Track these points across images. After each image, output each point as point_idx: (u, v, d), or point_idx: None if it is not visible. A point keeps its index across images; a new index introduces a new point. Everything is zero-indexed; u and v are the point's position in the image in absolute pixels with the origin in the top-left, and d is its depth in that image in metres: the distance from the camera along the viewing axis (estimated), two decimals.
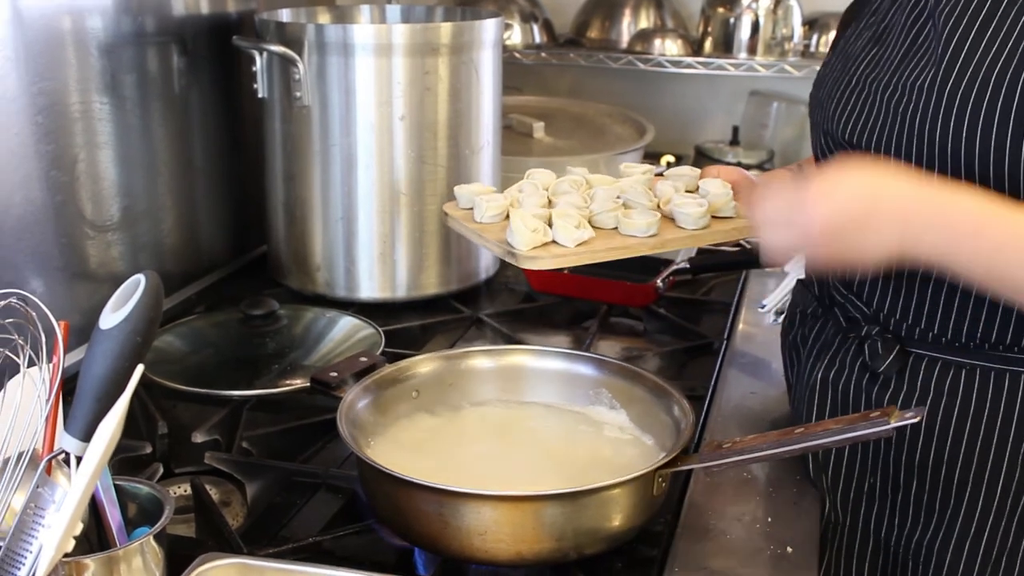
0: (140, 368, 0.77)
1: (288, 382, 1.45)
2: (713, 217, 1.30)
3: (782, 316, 1.45)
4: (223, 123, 1.91)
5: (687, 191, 1.37)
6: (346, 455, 1.28)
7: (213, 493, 1.20)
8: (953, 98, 1.07)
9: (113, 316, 0.78)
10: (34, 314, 0.82)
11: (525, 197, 1.34)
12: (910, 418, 0.96)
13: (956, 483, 1.17)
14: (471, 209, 1.34)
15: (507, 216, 1.30)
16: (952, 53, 1.08)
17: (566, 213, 1.27)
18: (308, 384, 1.36)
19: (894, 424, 0.96)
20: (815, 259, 1.12)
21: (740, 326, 1.66)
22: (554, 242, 1.24)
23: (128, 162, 1.65)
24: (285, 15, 1.85)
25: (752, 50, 2.54)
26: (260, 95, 1.74)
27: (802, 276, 1.38)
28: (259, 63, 1.71)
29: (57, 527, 0.76)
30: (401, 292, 1.76)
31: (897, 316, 1.18)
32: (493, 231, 1.29)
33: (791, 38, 2.53)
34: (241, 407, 1.39)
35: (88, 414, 0.79)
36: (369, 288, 1.75)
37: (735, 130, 2.63)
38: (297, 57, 1.65)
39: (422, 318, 1.70)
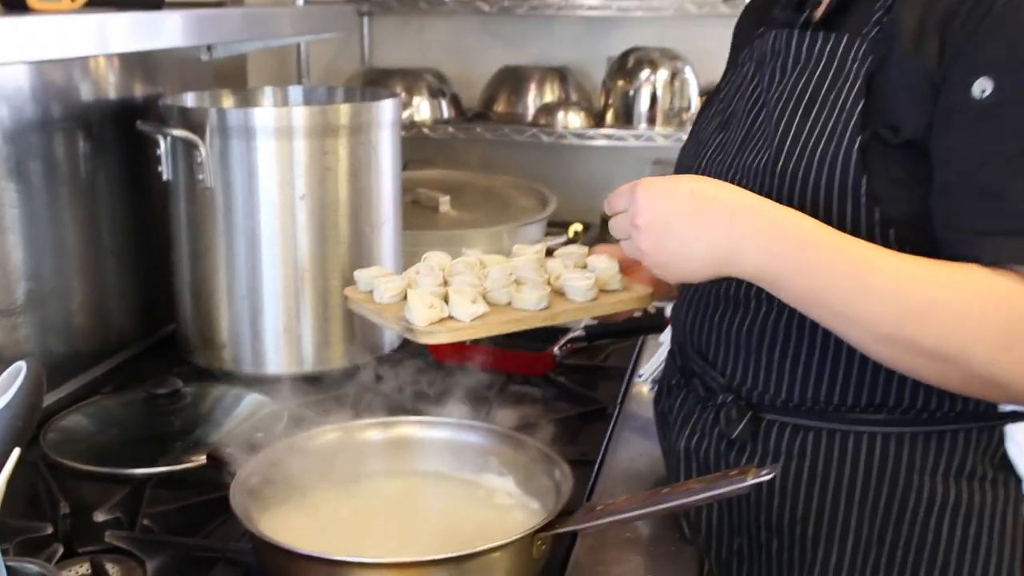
0: (16, 452, 0.81)
1: (191, 459, 1.47)
2: (601, 291, 1.38)
3: (656, 384, 1.52)
4: (130, 205, 1.95)
5: (576, 267, 1.44)
6: (244, 529, 1.32)
7: (114, 572, 1.22)
8: (784, 177, 1.17)
9: None
10: None
11: (421, 277, 1.40)
12: (765, 475, 1.03)
13: (811, 539, 1.24)
14: (371, 292, 1.41)
15: (405, 296, 1.36)
16: (781, 136, 1.19)
17: (461, 290, 1.34)
18: (200, 463, 1.42)
19: (751, 481, 1.03)
20: (640, 251, 1.17)
21: (634, 391, 1.73)
22: (451, 317, 1.30)
23: (35, 245, 1.69)
24: (189, 99, 1.91)
25: (652, 121, 2.64)
26: (165, 178, 1.78)
27: (670, 348, 1.46)
28: (163, 147, 1.75)
29: None
30: (307, 367, 1.80)
31: (748, 385, 1.26)
32: (392, 310, 1.36)
33: (688, 109, 2.64)
34: (144, 485, 1.41)
35: None
36: (275, 364, 1.79)
37: None
38: (199, 140, 1.70)
39: (327, 392, 1.72)
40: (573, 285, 1.36)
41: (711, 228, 1.12)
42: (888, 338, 1.08)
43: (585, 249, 1.49)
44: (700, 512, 1.33)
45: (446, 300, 1.32)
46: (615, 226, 1.21)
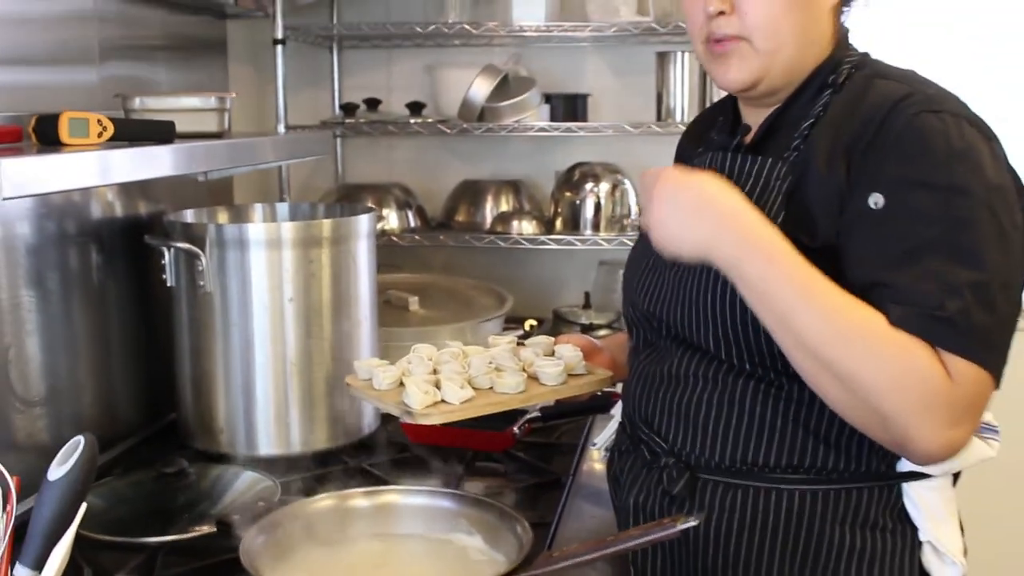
0: (83, 507, 0.94)
1: (197, 529, 1.55)
2: (569, 375, 1.52)
3: (609, 452, 1.60)
4: (136, 309, 2.03)
5: (545, 355, 1.58)
6: None
7: None
8: (717, 277, 1.29)
9: (59, 469, 0.96)
10: None
11: (414, 367, 1.52)
12: (691, 522, 1.16)
13: None
14: (368, 379, 1.52)
15: (400, 383, 1.48)
16: None
17: (451, 377, 1.45)
18: (215, 528, 1.51)
19: (679, 527, 1.16)
20: (650, 220, 1.28)
21: (584, 465, 1.83)
22: (443, 401, 1.42)
23: (52, 346, 1.77)
24: (189, 215, 2.01)
25: (596, 227, 2.73)
26: (169, 284, 1.87)
27: (621, 420, 1.57)
28: (167, 257, 1.85)
29: None
30: (295, 448, 1.87)
31: (688, 449, 1.36)
32: (390, 396, 1.47)
33: (628, 215, 2.74)
34: (156, 552, 1.49)
35: (39, 548, 0.95)
36: (267, 446, 1.87)
37: (587, 296, 2.78)
38: (200, 252, 1.80)
39: (314, 470, 1.81)
40: (545, 371, 1.50)
41: (702, 224, 1.24)
42: (812, 353, 1.18)
43: (551, 339, 1.63)
44: (646, 561, 1.42)
45: (437, 386, 1.44)
46: (644, 191, 1.32)
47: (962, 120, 1.24)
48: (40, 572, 0.94)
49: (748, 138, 1.40)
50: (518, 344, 1.63)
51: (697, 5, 1.34)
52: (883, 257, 1.21)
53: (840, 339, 1.17)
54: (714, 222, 1.23)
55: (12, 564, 0.98)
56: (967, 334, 1.16)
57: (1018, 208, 1.25)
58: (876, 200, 1.21)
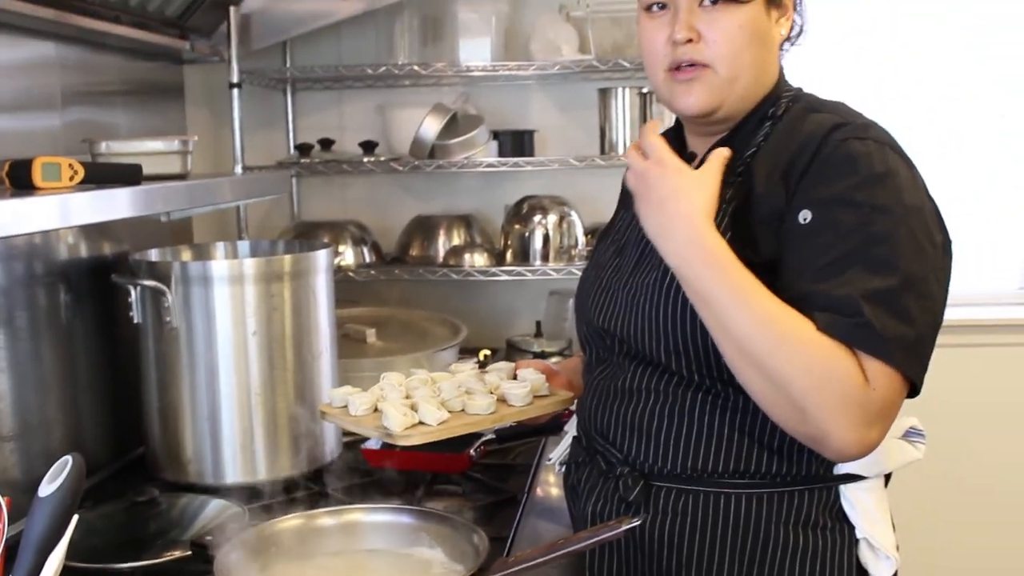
0: (75, 519, 1.01)
1: (169, 554, 1.60)
2: (534, 396, 1.60)
3: (564, 465, 1.68)
4: (104, 345, 2.08)
5: (508, 379, 1.65)
6: None
7: None
8: (667, 289, 1.39)
9: (49, 487, 1.02)
10: None
11: (388, 393, 1.58)
12: (635, 522, 1.25)
13: None
14: (343, 407, 1.58)
15: (375, 409, 1.54)
16: None
17: (427, 400, 1.52)
18: (186, 554, 1.57)
19: (623, 527, 1.24)
20: (632, 187, 1.38)
21: (539, 482, 1.90)
22: (420, 423, 1.49)
23: (23, 383, 1.81)
24: (154, 254, 2.07)
25: (545, 257, 2.79)
26: (136, 321, 1.92)
27: (575, 434, 1.64)
28: (134, 295, 1.90)
29: None
30: (261, 476, 1.93)
31: (641, 458, 1.44)
32: (368, 420, 1.53)
33: (575, 246, 2.80)
34: None
35: (31, 561, 1.02)
36: (233, 474, 1.92)
37: (538, 324, 2.84)
38: (166, 289, 1.86)
39: (279, 495, 1.85)
40: (513, 392, 1.57)
41: (662, 218, 1.33)
42: (743, 351, 1.27)
43: (512, 364, 1.71)
44: (602, 565, 1.48)
45: (413, 409, 1.51)
46: (633, 160, 1.39)
47: (885, 147, 1.34)
48: None
49: (694, 165, 1.48)
50: (480, 371, 1.70)
51: (660, 35, 1.43)
52: (810, 268, 1.30)
53: (770, 341, 1.26)
54: (670, 219, 1.33)
55: None
56: (884, 339, 1.24)
57: (937, 229, 1.35)
58: (805, 216, 1.31)
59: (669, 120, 1.58)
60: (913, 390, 1.30)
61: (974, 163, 3.30)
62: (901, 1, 3.23)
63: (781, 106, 1.45)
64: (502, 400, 1.59)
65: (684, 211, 1.32)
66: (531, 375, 1.64)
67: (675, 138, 1.57)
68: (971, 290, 3.29)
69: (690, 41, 1.40)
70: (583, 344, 1.63)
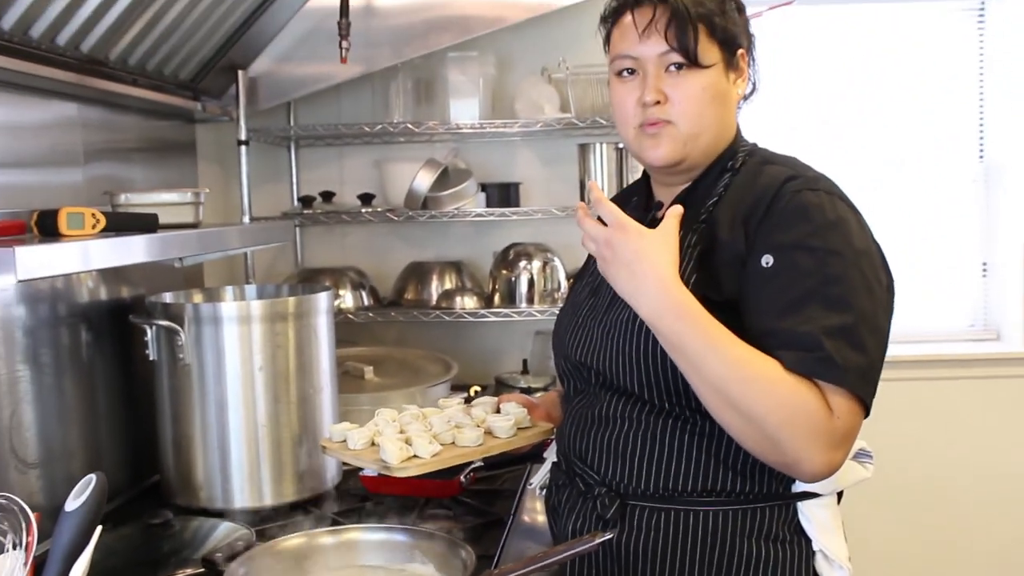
0: (98, 531, 1.05)
1: (182, 572, 1.63)
2: (518, 428, 1.65)
3: (544, 489, 1.71)
4: (121, 381, 2.12)
5: (493, 412, 1.70)
6: None
7: None
8: (639, 328, 1.43)
9: (75, 501, 1.07)
10: (15, 508, 1.10)
11: (383, 427, 1.62)
12: (606, 536, 1.29)
13: None
14: (342, 441, 1.62)
15: (372, 443, 1.59)
16: None
17: (420, 434, 1.57)
18: (198, 571, 1.60)
19: (596, 541, 1.29)
20: (598, 254, 1.40)
21: (524, 506, 1.93)
22: (415, 456, 1.53)
23: (46, 415, 1.85)
24: (168, 297, 2.11)
25: (531, 300, 2.82)
26: (151, 358, 1.96)
27: (555, 460, 1.68)
28: (150, 334, 1.95)
29: None
30: (267, 501, 1.96)
31: (617, 479, 1.48)
32: (366, 454, 1.57)
33: (558, 289, 2.84)
34: None
35: (59, 570, 1.06)
36: (241, 500, 1.95)
37: (524, 363, 2.86)
38: (180, 328, 1.90)
39: (284, 518, 1.89)
40: (498, 425, 1.63)
41: (632, 279, 1.37)
42: (719, 393, 1.32)
43: (496, 399, 1.76)
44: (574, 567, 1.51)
45: (408, 443, 1.55)
46: (590, 229, 1.42)
47: (834, 197, 1.42)
48: None
49: (661, 213, 1.54)
50: (467, 405, 1.75)
51: (630, 97, 1.49)
52: (774, 307, 1.36)
53: (742, 382, 1.31)
54: (641, 280, 1.37)
55: None
56: (844, 369, 1.30)
57: (882, 270, 1.42)
58: (767, 260, 1.37)
59: (637, 173, 1.63)
60: (865, 412, 1.36)
61: (930, 212, 3.38)
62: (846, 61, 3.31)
63: (739, 159, 1.51)
64: (488, 432, 1.64)
65: (652, 271, 1.37)
66: (514, 408, 1.70)
67: (644, 187, 1.63)
68: (926, 328, 3.36)
69: (658, 103, 1.47)
70: (561, 377, 1.67)
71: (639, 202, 1.63)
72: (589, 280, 1.64)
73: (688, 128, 1.47)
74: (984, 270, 3.39)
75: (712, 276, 1.42)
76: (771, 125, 3.20)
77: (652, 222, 1.51)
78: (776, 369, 1.31)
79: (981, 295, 3.40)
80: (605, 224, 1.41)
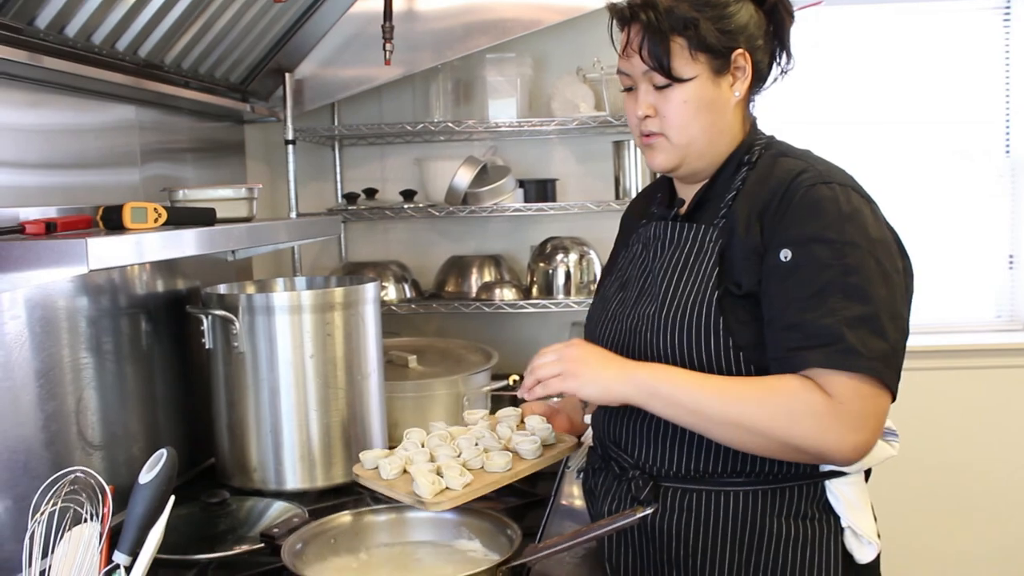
0: (171, 501, 1.10)
1: (239, 548, 1.68)
2: (544, 446, 1.66)
3: (582, 472, 1.75)
4: (179, 368, 2.17)
5: (517, 426, 1.71)
6: None
7: None
8: (667, 320, 1.47)
9: (148, 474, 1.11)
10: (92, 482, 1.15)
11: (413, 455, 1.61)
12: (648, 510, 1.32)
13: (700, 568, 1.48)
14: (375, 468, 1.61)
15: (403, 470, 1.58)
16: (663, 294, 1.49)
17: (450, 464, 1.56)
18: (255, 547, 1.64)
19: (638, 515, 1.31)
20: (563, 374, 1.48)
21: (564, 487, 1.96)
22: (447, 488, 1.52)
23: (109, 400, 1.89)
24: (223, 288, 2.16)
25: (568, 292, 2.86)
26: (207, 346, 2.01)
27: (591, 444, 1.72)
28: (206, 323, 2.00)
29: None
30: (318, 482, 2.00)
31: (650, 462, 1.52)
32: (399, 485, 1.56)
33: (594, 281, 2.85)
34: (207, 567, 1.63)
35: (133, 537, 1.10)
36: (293, 481, 1.99)
37: None
38: (234, 318, 1.95)
39: (334, 499, 1.93)
40: (524, 447, 1.63)
41: (608, 372, 1.45)
42: (726, 425, 1.38)
43: (519, 411, 1.77)
44: (619, 555, 1.56)
45: (439, 473, 1.54)
46: (542, 366, 1.51)
47: (848, 189, 1.44)
48: (134, 557, 1.10)
49: (683, 209, 1.58)
50: (491, 417, 1.75)
51: (632, 110, 1.55)
52: (795, 300, 1.38)
53: (737, 403, 1.37)
54: (610, 375, 1.45)
55: (110, 553, 1.13)
56: (866, 358, 1.33)
57: (899, 256, 1.44)
58: (786, 254, 1.40)
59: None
60: (891, 395, 1.38)
61: (958, 206, 3.38)
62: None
63: (755, 153, 1.53)
64: (514, 452, 1.64)
65: (611, 363, 1.46)
66: (538, 424, 1.70)
67: (667, 186, 1.66)
68: (953, 319, 3.36)
69: (648, 116, 1.51)
70: None
71: (662, 199, 1.66)
72: (618, 274, 1.68)
73: (677, 139, 1.51)
74: (1011, 262, 3.39)
75: (732, 271, 1.45)
76: (799, 121, 3.20)
77: (675, 219, 1.56)
78: (766, 381, 1.37)
79: (1008, 286, 3.40)
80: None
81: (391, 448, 1.69)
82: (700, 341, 1.44)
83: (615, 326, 1.59)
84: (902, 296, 1.42)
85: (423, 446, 1.64)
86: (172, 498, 1.10)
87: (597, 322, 1.65)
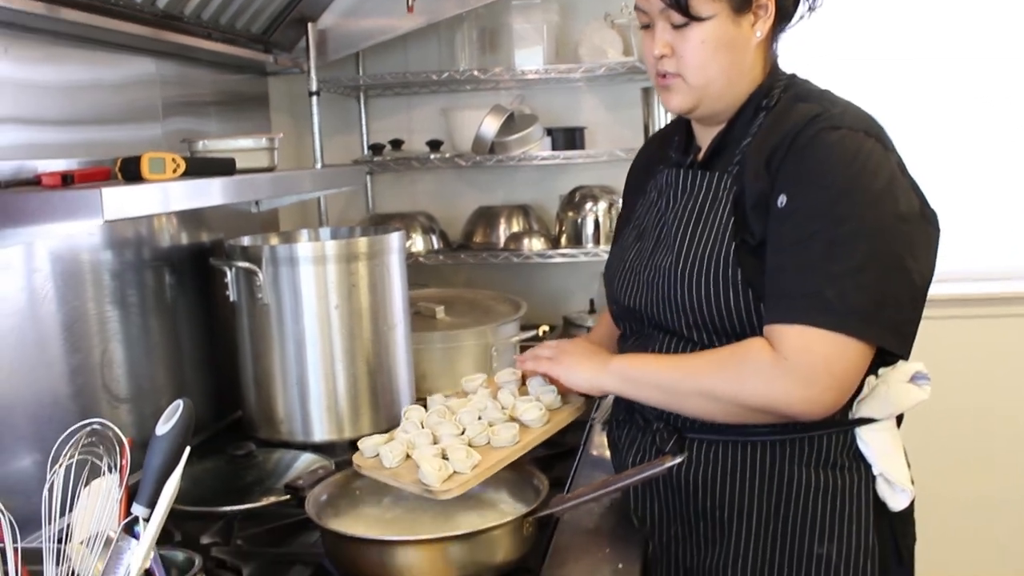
0: (187, 452, 1.07)
1: (266, 499, 1.68)
2: (549, 412, 1.55)
3: (606, 424, 1.72)
4: (204, 321, 2.16)
5: (519, 390, 1.62)
6: (311, 541, 1.53)
7: (220, 574, 1.45)
8: (683, 273, 1.43)
9: (164, 426, 1.09)
10: (109, 434, 1.12)
11: (415, 437, 1.48)
12: (677, 460, 1.28)
13: (727, 519, 1.45)
14: (375, 457, 1.48)
15: (407, 456, 1.45)
16: (679, 245, 1.45)
17: (454, 446, 1.43)
18: (281, 499, 1.63)
19: (667, 465, 1.28)
20: (552, 361, 1.56)
21: (593, 438, 1.92)
22: (455, 472, 1.39)
23: (134, 353, 1.89)
24: (246, 240, 2.14)
25: (596, 241, 2.83)
26: (231, 299, 1.99)
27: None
28: (230, 276, 1.98)
29: (140, 548, 1.05)
30: (345, 434, 1.98)
31: (674, 414, 1.48)
32: (404, 474, 1.43)
33: None
34: (234, 518, 1.62)
35: (151, 489, 1.08)
36: (320, 432, 1.98)
37: (591, 302, 2.89)
38: (258, 269, 1.93)
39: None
40: (529, 417, 1.52)
41: (592, 367, 1.50)
42: (696, 393, 1.39)
43: (518, 373, 1.66)
44: (645, 507, 1.53)
45: (444, 456, 1.42)
46: (541, 350, 1.59)
47: (858, 133, 1.36)
48: (152, 509, 1.08)
49: (700, 156, 1.53)
50: (492, 381, 1.67)
51: (648, 49, 1.49)
52: (782, 248, 1.34)
53: (693, 373, 1.39)
54: (596, 368, 1.49)
55: (129, 505, 1.11)
56: (836, 312, 1.29)
57: (911, 203, 1.36)
58: (782, 200, 1.35)
59: None
60: (890, 354, 1.37)
61: (989, 154, 3.29)
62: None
63: (774, 96, 1.47)
64: (518, 421, 1.53)
65: (595, 357, 1.52)
66: (539, 388, 1.60)
67: (685, 130, 1.60)
68: (989, 267, 3.29)
69: (665, 55, 1.45)
70: (615, 319, 1.67)
71: (679, 143, 1.60)
72: (636, 223, 1.63)
73: (694, 80, 1.45)
74: None
75: (746, 221, 1.40)
76: (827, 55, 3.11)
77: (691, 165, 1.51)
78: (720, 349, 1.39)
79: None
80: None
81: (389, 432, 1.57)
82: (719, 294, 1.40)
83: (632, 278, 1.56)
84: (913, 245, 1.34)
85: (423, 426, 1.54)
86: (187, 450, 1.07)
87: (615, 274, 1.62)
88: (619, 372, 1.47)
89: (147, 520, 1.07)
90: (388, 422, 2.03)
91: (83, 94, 1.84)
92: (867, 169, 1.33)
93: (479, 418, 1.53)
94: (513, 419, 1.52)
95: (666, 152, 1.62)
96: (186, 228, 2.14)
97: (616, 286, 1.59)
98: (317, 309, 1.95)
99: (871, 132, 1.37)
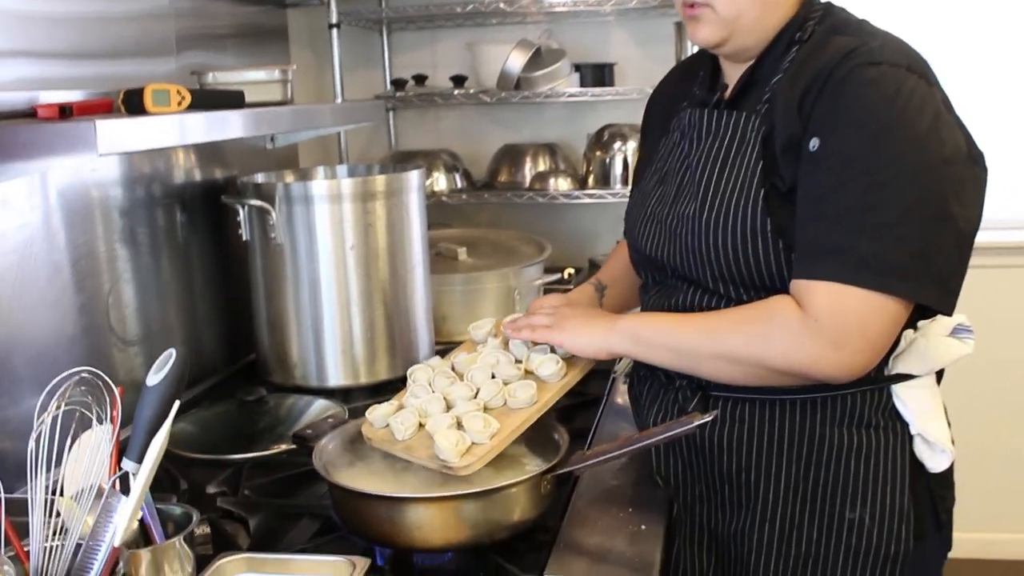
0: (176, 405, 1.00)
1: (276, 447, 1.62)
2: (564, 363, 1.44)
3: (628, 378, 1.63)
4: (216, 261, 2.10)
5: (534, 344, 1.48)
6: (321, 493, 1.47)
7: (226, 527, 1.38)
8: (708, 222, 1.33)
9: (155, 376, 1.02)
10: (99, 383, 1.05)
11: (426, 403, 1.37)
12: (706, 418, 1.19)
13: (754, 481, 1.37)
14: (385, 427, 1.37)
15: (420, 426, 1.35)
16: (703, 191, 1.35)
17: (471, 415, 1.31)
18: (291, 447, 1.57)
19: (696, 423, 1.18)
20: (553, 324, 1.47)
21: (616, 389, 1.86)
22: (473, 444, 1.28)
23: (145, 293, 1.84)
24: (260, 177, 2.07)
25: (625, 182, 2.73)
26: (244, 238, 1.93)
27: None
28: (242, 214, 1.91)
29: (127, 506, 0.98)
30: (361, 379, 1.93)
31: None
32: (418, 447, 1.32)
33: None
34: (242, 467, 1.57)
35: (140, 443, 1.01)
36: (335, 377, 1.92)
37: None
38: (271, 208, 1.85)
39: (376, 397, 1.84)
40: (546, 372, 1.41)
41: (597, 328, 1.41)
42: (712, 355, 1.30)
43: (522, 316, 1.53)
44: (669, 467, 1.45)
45: (459, 426, 1.31)
46: (537, 315, 1.50)
47: (899, 68, 1.23)
48: (141, 465, 1.01)
49: (727, 94, 1.41)
50: (498, 324, 1.56)
51: None
52: (813, 193, 1.23)
53: (713, 334, 1.29)
54: (602, 329, 1.41)
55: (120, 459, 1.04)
56: (871, 269, 1.18)
57: (956, 144, 1.24)
58: (814, 143, 1.23)
59: None
60: (930, 310, 1.27)
61: None
62: None
63: (807, 29, 1.35)
64: (534, 374, 1.43)
65: (598, 318, 1.45)
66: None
67: (711, 65, 1.49)
68: None
69: None
70: (636, 268, 1.58)
71: (705, 80, 1.49)
72: (658, 166, 1.52)
73: (725, 11, 1.33)
74: None
75: (775, 164, 1.29)
76: None
77: (717, 105, 1.41)
78: (741, 308, 1.30)
79: None
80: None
81: (398, 395, 1.46)
82: (747, 244, 1.29)
83: (654, 227, 1.46)
84: (959, 189, 1.23)
85: (432, 388, 1.43)
86: (177, 403, 1.00)
87: (635, 221, 1.51)
88: (629, 333, 1.38)
89: (135, 476, 1.00)
90: (405, 367, 1.92)
91: (94, 26, 1.76)
92: (909, 108, 1.21)
93: (492, 377, 1.43)
94: (528, 373, 1.43)
95: (690, 88, 1.51)
96: (199, 164, 2.06)
97: (637, 234, 1.50)
98: (332, 249, 1.88)
99: (913, 67, 1.25)
